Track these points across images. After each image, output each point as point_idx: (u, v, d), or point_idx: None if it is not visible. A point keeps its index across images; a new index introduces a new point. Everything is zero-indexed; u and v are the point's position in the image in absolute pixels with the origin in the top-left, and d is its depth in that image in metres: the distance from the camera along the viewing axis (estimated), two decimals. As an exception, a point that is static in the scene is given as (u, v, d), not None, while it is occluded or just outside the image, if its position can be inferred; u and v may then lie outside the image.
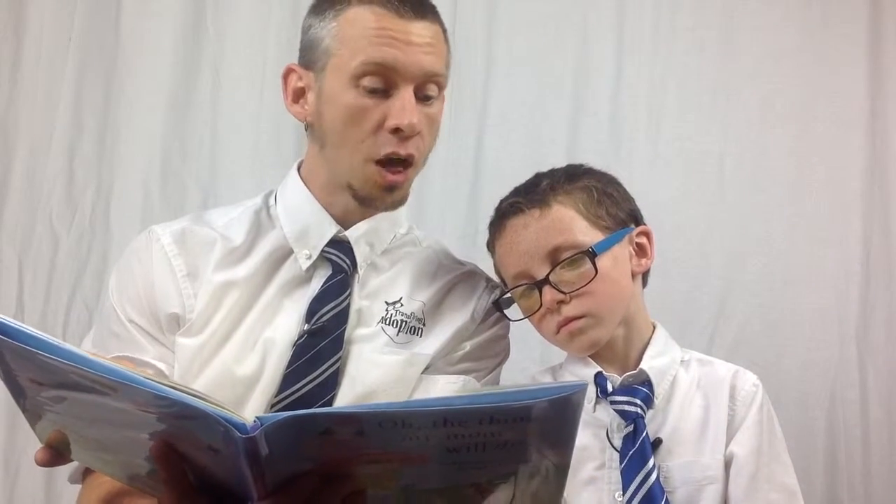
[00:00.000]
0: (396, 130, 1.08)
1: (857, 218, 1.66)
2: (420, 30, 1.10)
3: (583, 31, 1.74)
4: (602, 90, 1.73)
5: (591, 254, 1.15)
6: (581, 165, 1.26)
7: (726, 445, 1.14)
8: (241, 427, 0.68)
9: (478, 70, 1.74)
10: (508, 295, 1.21)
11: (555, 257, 1.16)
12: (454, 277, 1.22)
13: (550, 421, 0.69)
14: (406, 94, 1.09)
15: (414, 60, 1.09)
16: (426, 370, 1.14)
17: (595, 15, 1.74)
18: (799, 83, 1.71)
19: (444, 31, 1.15)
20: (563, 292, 1.15)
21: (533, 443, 0.71)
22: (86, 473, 1.08)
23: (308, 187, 1.18)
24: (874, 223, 1.66)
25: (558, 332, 1.18)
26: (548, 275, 1.16)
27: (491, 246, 1.25)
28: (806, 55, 1.71)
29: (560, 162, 1.59)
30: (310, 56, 1.14)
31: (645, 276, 1.25)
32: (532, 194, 1.19)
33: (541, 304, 1.17)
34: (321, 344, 1.09)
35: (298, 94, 1.16)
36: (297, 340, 1.09)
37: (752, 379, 1.19)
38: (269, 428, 0.67)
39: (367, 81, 1.09)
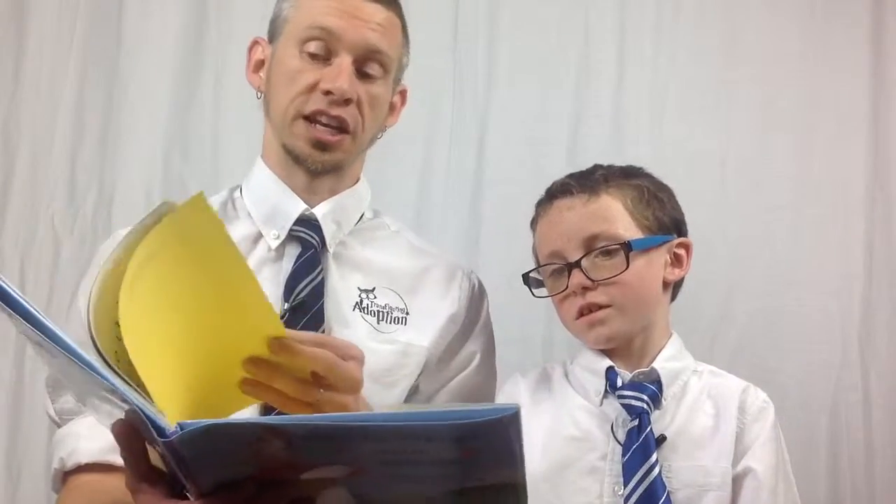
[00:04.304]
0: (328, 93, 1.12)
1: (860, 220, 1.66)
2: (370, 9, 1.15)
3: (584, 32, 1.74)
4: (604, 92, 1.73)
5: (627, 248, 1.17)
6: (641, 168, 1.28)
7: (735, 458, 1.15)
8: (160, 430, 0.67)
9: (479, 72, 1.74)
10: (537, 273, 1.24)
11: (591, 244, 1.18)
12: (427, 262, 1.24)
13: (482, 442, 0.66)
14: (343, 62, 1.13)
15: (356, 32, 1.13)
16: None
17: (597, 16, 1.74)
18: (801, 85, 1.70)
19: (403, 25, 1.20)
20: (590, 279, 1.16)
21: (472, 463, 0.68)
22: (65, 479, 1.09)
23: (269, 167, 1.21)
24: (876, 225, 1.66)
25: (579, 318, 1.19)
26: (580, 259, 1.17)
27: (534, 224, 1.27)
28: (808, 57, 1.70)
29: (562, 164, 1.61)
30: (272, 29, 1.20)
31: (676, 290, 1.26)
32: (585, 180, 1.22)
33: (566, 287, 1.18)
34: (303, 320, 1.10)
35: (258, 66, 1.22)
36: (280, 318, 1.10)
37: (763, 396, 1.20)
38: (187, 435, 0.66)
39: (309, 47, 1.14)
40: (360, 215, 1.24)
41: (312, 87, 1.13)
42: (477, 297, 1.26)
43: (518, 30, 1.75)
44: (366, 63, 1.15)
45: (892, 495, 1.57)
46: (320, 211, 1.18)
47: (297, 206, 1.18)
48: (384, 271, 1.20)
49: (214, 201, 1.24)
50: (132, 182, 1.69)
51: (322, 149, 1.15)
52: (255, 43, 1.23)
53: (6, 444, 1.60)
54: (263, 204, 1.19)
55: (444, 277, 1.23)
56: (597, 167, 1.26)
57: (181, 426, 0.66)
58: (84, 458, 1.06)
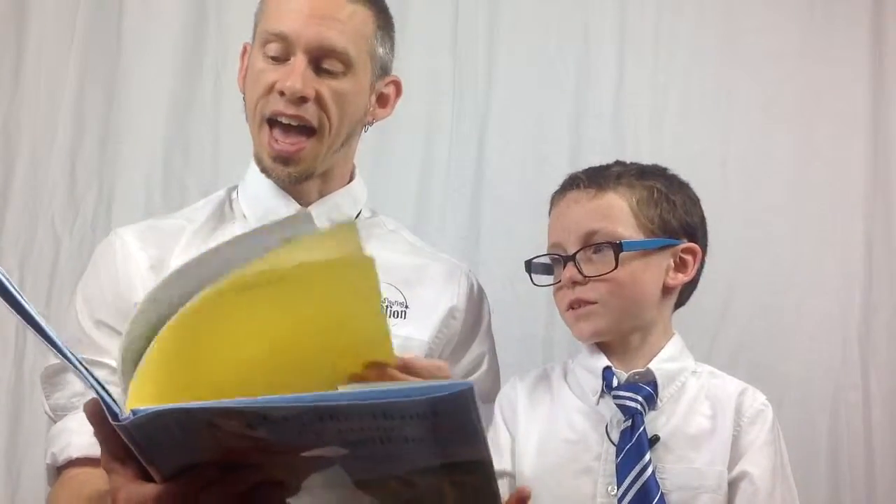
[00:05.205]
0: (282, 94, 1.12)
1: (860, 220, 1.66)
2: (330, 6, 1.13)
3: (584, 32, 1.74)
4: (604, 92, 1.73)
5: (618, 248, 1.16)
6: (665, 169, 1.27)
7: (731, 461, 1.14)
8: (113, 414, 0.68)
9: (480, 72, 1.74)
10: (542, 259, 1.24)
11: (588, 239, 1.18)
12: (426, 259, 1.25)
13: (442, 419, 0.66)
14: (297, 62, 1.12)
15: (309, 31, 1.12)
16: None
17: (597, 16, 1.74)
18: (801, 84, 1.70)
19: (377, 15, 1.18)
20: (582, 274, 1.17)
21: (437, 439, 0.69)
22: (58, 473, 1.09)
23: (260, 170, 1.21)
24: (876, 225, 1.66)
25: (568, 310, 1.20)
26: (575, 253, 1.18)
27: (549, 213, 1.28)
28: (808, 56, 1.71)
29: (562, 164, 1.61)
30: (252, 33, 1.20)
31: (684, 294, 1.26)
32: (596, 175, 1.22)
33: (560, 279, 1.20)
34: None
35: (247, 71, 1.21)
36: None
37: (762, 398, 1.19)
38: (140, 420, 0.66)
39: (270, 50, 1.14)
40: (356, 214, 1.24)
41: (271, 89, 1.14)
42: (477, 297, 1.26)
43: (518, 30, 1.75)
44: (323, 60, 1.13)
45: (892, 495, 1.57)
46: (314, 211, 1.18)
47: (290, 207, 1.18)
48: (383, 266, 1.19)
49: (212, 200, 1.24)
50: (132, 182, 1.69)
51: (284, 163, 1.15)
52: (245, 50, 1.23)
53: (6, 444, 1.60)
54: (258, 205, 1.19)
55: (443, 273, 1.24)
56: (616, 163, 1.25)
57: (134, 412, 0.67)
58: (75, 453, 1.07)
